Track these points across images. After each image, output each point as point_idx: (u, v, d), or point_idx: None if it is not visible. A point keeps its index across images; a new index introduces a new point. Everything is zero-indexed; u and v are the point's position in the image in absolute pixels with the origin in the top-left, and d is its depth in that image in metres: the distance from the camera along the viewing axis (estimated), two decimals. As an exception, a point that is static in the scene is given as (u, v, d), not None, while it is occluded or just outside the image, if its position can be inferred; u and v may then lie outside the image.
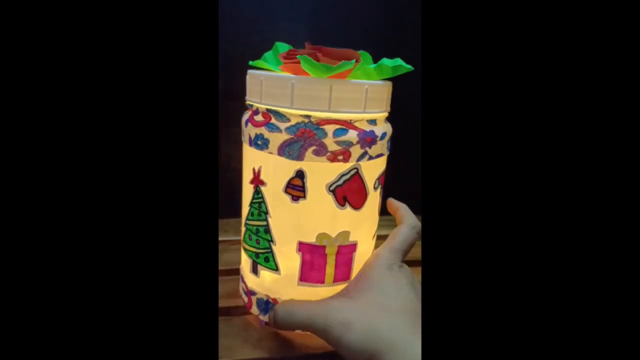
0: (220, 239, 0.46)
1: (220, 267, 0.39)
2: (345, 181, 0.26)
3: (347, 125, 0.25)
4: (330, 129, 0.24)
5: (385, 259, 0.27)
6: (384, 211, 0.32)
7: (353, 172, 0.26)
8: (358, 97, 0.24)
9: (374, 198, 0.28)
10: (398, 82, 0.28)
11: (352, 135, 0.25)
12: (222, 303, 0.34)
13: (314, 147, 0.24)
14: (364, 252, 0.29)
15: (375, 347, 0.22)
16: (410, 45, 0.42)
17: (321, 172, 0.25)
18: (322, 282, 0.28)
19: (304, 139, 0.24)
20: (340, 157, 0.25)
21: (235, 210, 0.34)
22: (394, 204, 0.33)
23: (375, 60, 0.27)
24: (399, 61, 0.26)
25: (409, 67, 0.26)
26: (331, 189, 0.26)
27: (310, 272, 0.28)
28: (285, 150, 0.25)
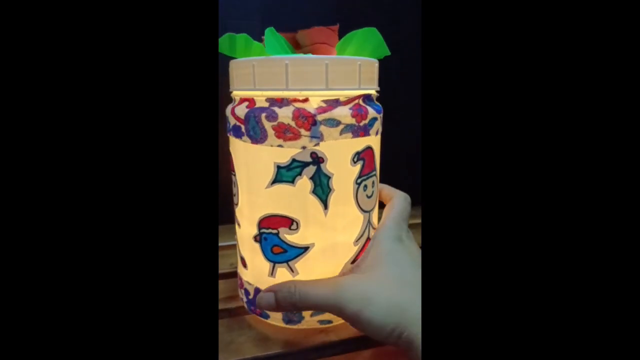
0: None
1: (223, 269, 0.38)
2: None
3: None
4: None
5: (392, 230, 0.27)
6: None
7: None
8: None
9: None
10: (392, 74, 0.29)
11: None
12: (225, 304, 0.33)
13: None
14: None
15: (398, 320, 0.21)
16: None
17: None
18: None
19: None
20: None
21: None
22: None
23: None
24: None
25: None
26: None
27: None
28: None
